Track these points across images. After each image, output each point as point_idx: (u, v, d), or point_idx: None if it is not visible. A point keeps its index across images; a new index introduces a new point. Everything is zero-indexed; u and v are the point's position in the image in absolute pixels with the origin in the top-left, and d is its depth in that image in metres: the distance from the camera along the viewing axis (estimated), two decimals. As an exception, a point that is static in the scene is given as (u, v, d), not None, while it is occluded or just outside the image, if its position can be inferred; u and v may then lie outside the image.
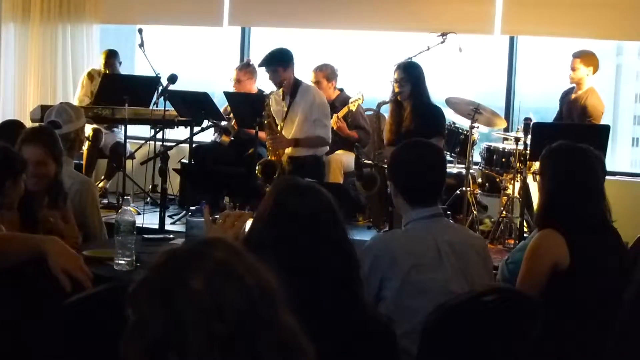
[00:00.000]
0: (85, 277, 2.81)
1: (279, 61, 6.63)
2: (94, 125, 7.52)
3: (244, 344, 1.34)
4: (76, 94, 8.32)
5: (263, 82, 7.74)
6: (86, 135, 7.08)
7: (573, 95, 7.00)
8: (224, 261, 1.42)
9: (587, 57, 6.92)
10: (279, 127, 6.68)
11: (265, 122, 6.49)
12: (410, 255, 3.06)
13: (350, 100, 7.31)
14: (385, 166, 6.01)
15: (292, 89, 6.73)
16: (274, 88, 6.75)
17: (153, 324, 1.36)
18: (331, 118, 7.02)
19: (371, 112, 7.22)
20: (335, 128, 7.17)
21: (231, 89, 7.70)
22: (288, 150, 6.69)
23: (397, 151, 3.41)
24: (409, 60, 6.70)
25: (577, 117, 6.88)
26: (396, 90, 6.46)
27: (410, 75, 6.41)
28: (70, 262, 2.80)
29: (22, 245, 2.90)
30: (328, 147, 6.94)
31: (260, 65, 6.78)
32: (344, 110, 7.28)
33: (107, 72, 8.01)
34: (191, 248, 1.48)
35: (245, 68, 7.77)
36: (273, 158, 6.52)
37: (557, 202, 3.37)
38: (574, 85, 7.01)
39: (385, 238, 3.32)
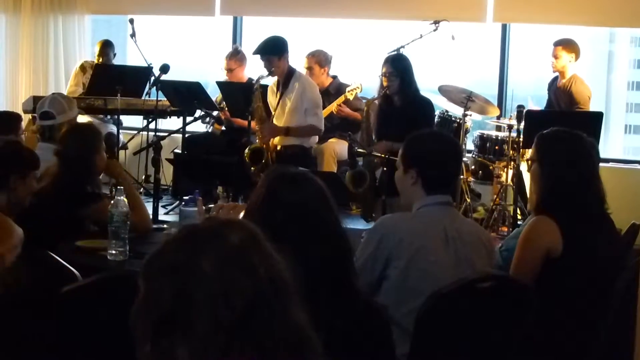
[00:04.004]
0: None
1: (273, 50, 6.60)
2: (89, 119, 7.51)
3: (250, 334, 1.33)
4: (68, 86, 8.30)
5: (252, 70, 7.75)
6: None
7: (558, 84, 7.05)
8: (239, 247, 1.40)
9: (568, 44, 6.97)
10: (272, 118, 6.68)
11: (255, 106, 6.48)
12: (418, 237, 3.07)
13: (348, 89, 7.27)
14: (378, 155, 5.99)
15: (285, 78, 6.72)
16: (262, 80, 6.72)
17: (161, 299, 1.35)
18: (324, 106, 7.02)
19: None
20: (335, 112, 7.17)
21: (223, 78, 7.69)
22: (277, 139, 6.67)
23: (421, 140, 3.37)
24: (396, 52, 6.66)
25: (564, 105, 6.92)
26: (385, 84, 6.41)
27: (397, 69, 6.34)
28: None
29: None
30: (317, 138, 6.93)
31: (255, 53, 6.74)
32: (341, 99, 7.25)
33: (101, 60, 7.99)
34: (209, 228, 1.46)
35: (235, 56, 7.76)
36: (263, 146, 6.51)
37: (556, 189, 3.36)
38: (557, 74, 7.06)
39: (395, 218, 3.32)
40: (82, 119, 7.19)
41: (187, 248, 1.40)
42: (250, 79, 7.62)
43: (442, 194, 3.23)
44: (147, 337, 1.36)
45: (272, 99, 6.82)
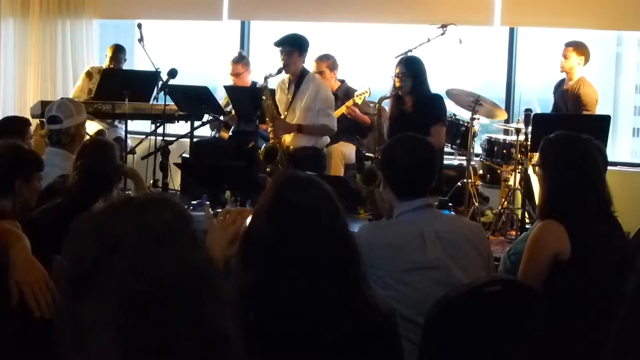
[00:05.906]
0: (42, 297, 2.60)
1: (297, 44, 6.68)
2: (100, 127, 7.53)
3: (160, 315, 1.27)
4: (73, 91, 8.32)
5: (256, 74, 7.77)
6: (90, 134, 7.09)
7: (565, 86, 7.04)
8: (167, 225, 1.36)
9: (579, 47, 6.98)
10: (282, 116, 6.72)
11: (266, 105, 6.52)
12: (392, 245, 3.07)
13: (356, 93, 7.29)
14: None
15: (298, 78, 6.74)
16: (270, 79, 6.74)
17: (81, 258, 1.32)
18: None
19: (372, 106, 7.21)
20: (346, 113, 7.17)
21: (229, 82, 7.72)
22: (289, 140, 6.69)
23: (388, 145, 3.43)
24: (411, 54, 6.67)
25: (571, 108, 6.90)
26: (397, 84, 6.42)
27: (411, 70, 6.38)
28: (28, 276, 2.63)
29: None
30: (329, 139, 6.95)
31: (278, 43, 6.70)
32: (349, 102, 7.26)
33: (112, 66, 8.02)
34: (144, 199, 1.44)
35: (242, 61, 7.79)
36: (277, 145, 6.55)
37: (558, 193, 3.37)
38: (564, 77, 7.05)
39: (368, 228, 3.32)
40: (90, 123, 7.22)
41: (117, 214, 1.38)
42: (254, 83, 7.65)
43: (416, 198, 3.22)
44: (64, 295, 1.33)
45: (281, 97, 6.84)
